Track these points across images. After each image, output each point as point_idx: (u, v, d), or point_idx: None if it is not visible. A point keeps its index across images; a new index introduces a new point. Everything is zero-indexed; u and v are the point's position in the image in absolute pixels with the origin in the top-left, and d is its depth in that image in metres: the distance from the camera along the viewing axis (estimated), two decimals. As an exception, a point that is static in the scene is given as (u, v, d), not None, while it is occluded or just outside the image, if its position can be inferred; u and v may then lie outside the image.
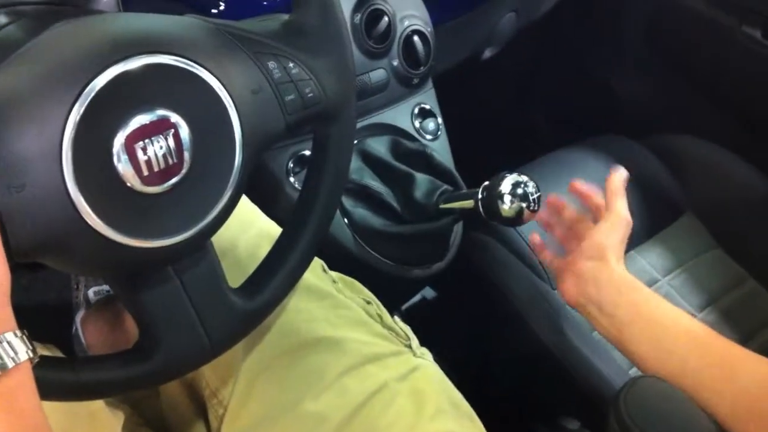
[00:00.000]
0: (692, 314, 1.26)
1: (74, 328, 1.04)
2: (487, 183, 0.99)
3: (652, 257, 1.33)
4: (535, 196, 0.95)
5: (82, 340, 1.01)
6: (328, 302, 0.92)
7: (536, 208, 0.95)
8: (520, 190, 0.95)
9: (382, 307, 0.96)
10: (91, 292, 1.04)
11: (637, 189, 1.38)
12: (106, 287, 1.04)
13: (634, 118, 1.90)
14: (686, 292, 1.30)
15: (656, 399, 0.73)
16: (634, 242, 1.33)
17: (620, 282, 0.93)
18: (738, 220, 1.42)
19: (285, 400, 0.82)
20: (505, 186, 0.96)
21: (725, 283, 1.33)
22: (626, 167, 1.34)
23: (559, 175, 1.38)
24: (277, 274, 0.75)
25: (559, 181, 1.34)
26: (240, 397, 0.84)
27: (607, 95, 1.98)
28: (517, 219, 0.96)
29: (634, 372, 1.15)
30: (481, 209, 0.99)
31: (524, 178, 0.96)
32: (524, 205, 0.94)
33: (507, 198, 0.95)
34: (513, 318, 1.23)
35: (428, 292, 1.66)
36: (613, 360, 1.14)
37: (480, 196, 0.99)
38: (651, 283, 1.29)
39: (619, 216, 1.00)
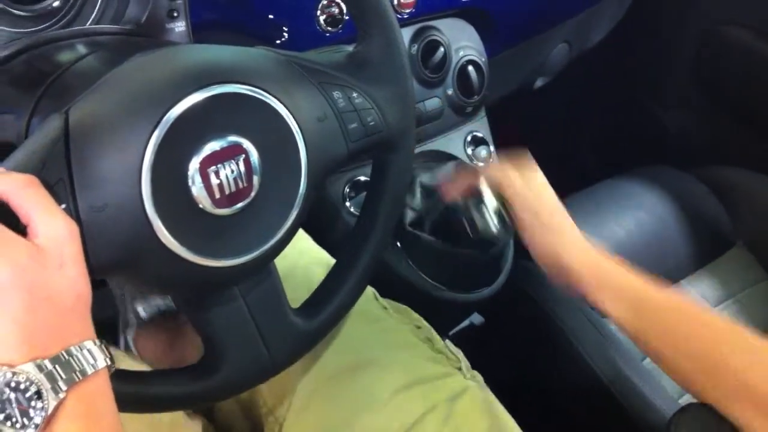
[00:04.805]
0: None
1: (122, 344, 1.06)
2: (470, 199, 0.94)
3: (702, 288, 1.33)
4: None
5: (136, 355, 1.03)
6: (379, 326, 0.94)
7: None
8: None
9: (432, 332, 0.98)
10: (140, 309, 1.06)
11: (686, 220, 1.38)
12: (155, 302, 1.05)
13: (681, 149, 1.89)
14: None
15: (707, 427, 0.73)
16: (683, 273, 1.33)
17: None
18: (789, 252, 1.41)
19: (339, 418, 0.85)
20: (488, 198, 0.90)
21: (776, 315, 1.32)
22: (675, 198, 1.35)
23: (608, 205, 1.38)
24: (335, 296, 0.77)
25: (608, 211, 1.35)
26: (296, 414, 0.86)
27: (655, 126, 1.97)
28: (504, 234, 0.90)
29: (684, 401, 1.15)
30: (468, 229, 0.95)
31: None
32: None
33: (490, 208, 0.89)
34: (562, 345, 1.23)
35: (476, 318, 1.67)
36: (663, 388, 1.14)
37: (464, 215, 0.94)
38: (701, 314, 1.29)
39: (517, 191, 0.87)
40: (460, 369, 0.93)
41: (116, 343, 1.05)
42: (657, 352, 0.79)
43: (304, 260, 0.98)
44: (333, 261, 0.86)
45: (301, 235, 1.02)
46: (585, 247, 0.85)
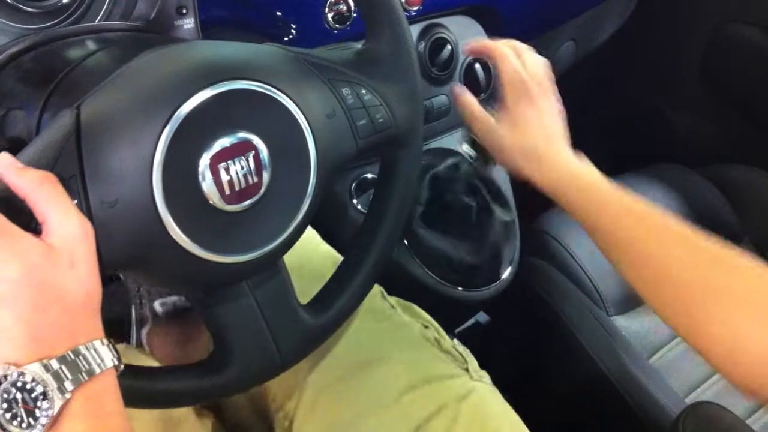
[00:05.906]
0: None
1: (132, 341, 1.05)
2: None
3: (708, 286, 1.32)
4: None
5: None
6: (387, 324, 0.94)
7: None
8: None
9: (441, 331, 0.98)
10: (157, 305, 1.06)
11: (693, 217, 1.37)
12: (171, 299, 1.06)
13: (689, 148, 1.89)
14: (743, 322, 1.29)
15: (714, 425, 0.73)
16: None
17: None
18: (797, 250, 1.40)
19: (348, 415, 0.85)
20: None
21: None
22: (682, 195, 1.34)
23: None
24: (344, 292, 0.77)
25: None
26: (305, 410, 0.86)
27: (662, 124, 1.97)
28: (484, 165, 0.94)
29: (690, 399, 1.15)
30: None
31: None
32: None
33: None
34: (568, 343, 1.23)
35: (482, 317, 1.67)
36: (670, 387, 1.14)
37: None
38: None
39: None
40: (467, 370, 0.93)
41: (125, 340, 1.05)
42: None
43: (314, 256, 0.98)
44: (341, 258, 0.86)
45: (310, 231, 1.02)
46: (561, 166, 0.90)
